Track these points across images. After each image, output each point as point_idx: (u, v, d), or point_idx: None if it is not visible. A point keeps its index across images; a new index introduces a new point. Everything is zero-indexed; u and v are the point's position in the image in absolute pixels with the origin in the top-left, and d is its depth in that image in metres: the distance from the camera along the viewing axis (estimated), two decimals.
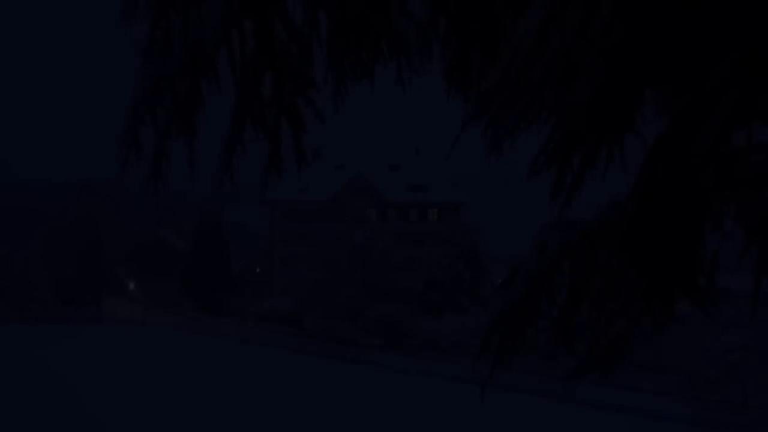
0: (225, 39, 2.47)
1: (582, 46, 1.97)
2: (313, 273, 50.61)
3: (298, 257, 55.28)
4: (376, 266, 50.36)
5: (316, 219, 59.94)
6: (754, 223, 2.01)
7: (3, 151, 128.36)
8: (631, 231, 2.22)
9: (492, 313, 2.61)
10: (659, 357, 37.09)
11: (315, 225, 58.25)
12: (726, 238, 2.13)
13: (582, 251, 2.47)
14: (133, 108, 2.63)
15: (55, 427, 23.46)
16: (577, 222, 2.51)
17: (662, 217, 2.12)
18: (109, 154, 2.85)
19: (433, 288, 48.87)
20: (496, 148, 2.42)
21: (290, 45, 2.55)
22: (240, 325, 55.30)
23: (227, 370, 36.38)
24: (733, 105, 1.83)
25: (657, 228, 2.15)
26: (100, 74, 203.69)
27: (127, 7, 2.56)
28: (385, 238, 50.65)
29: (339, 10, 2.67)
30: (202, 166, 2.81)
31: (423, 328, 46.85)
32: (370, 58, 2.95)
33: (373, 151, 64.96)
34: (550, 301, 2.57)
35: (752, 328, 32.24)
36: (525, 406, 31.94)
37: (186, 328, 52.06)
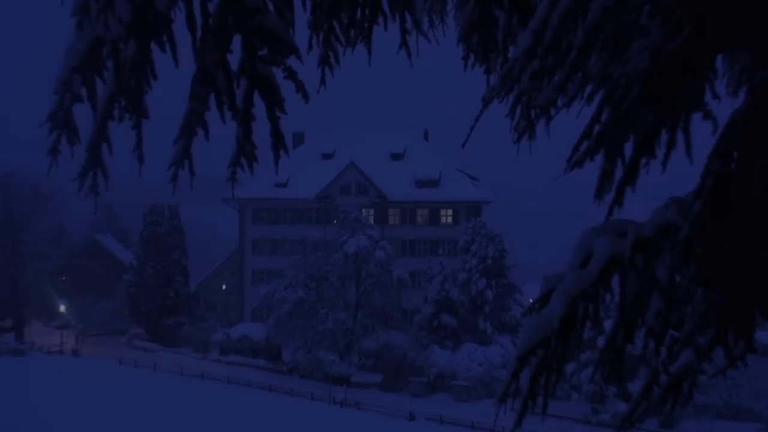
0: None
1: (635, 1, 1.97)
2: (293, 291, 50.58)
3: (274, 271, 55.24)
4: (375, 282, 50.34)
5: (297, 222, 59.94)
6: None
7: None
8: (698, 237, 2.21)
9: (522, 343, 2.61)
10: (735, 399, 37.04)
11: (296, 230, 58.24)
12: None
13: (636, 263, 2.47)
14: (64, 80, 2.62)
15: None
16: (629, 226, 2.50)
17: (738, 218, 2.12)
18: (35, 139, 2.85)
19: (447, 310, 48.84)
20: (527, 131, 2.42)
21: (264, 0, 2.56)
22: (200, 357, 55.33)
23: (184, 415, 36.31)
24: None
25: (731, 233, 2.15)
26: (25, 40, 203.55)
27: None
28: (385, 247, 50.64)
29: None
30: (153, 154, 2.81)
31: (434, 361, 46.82)
32: (366, 17, 2.95)
33: (370, 136, 65.01)
34: (594, 327, 2.57)
35: None
36: None
37: (131, 361, 52.05)
